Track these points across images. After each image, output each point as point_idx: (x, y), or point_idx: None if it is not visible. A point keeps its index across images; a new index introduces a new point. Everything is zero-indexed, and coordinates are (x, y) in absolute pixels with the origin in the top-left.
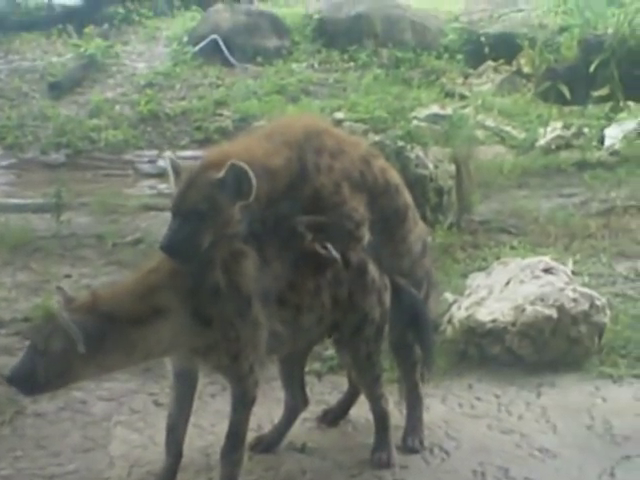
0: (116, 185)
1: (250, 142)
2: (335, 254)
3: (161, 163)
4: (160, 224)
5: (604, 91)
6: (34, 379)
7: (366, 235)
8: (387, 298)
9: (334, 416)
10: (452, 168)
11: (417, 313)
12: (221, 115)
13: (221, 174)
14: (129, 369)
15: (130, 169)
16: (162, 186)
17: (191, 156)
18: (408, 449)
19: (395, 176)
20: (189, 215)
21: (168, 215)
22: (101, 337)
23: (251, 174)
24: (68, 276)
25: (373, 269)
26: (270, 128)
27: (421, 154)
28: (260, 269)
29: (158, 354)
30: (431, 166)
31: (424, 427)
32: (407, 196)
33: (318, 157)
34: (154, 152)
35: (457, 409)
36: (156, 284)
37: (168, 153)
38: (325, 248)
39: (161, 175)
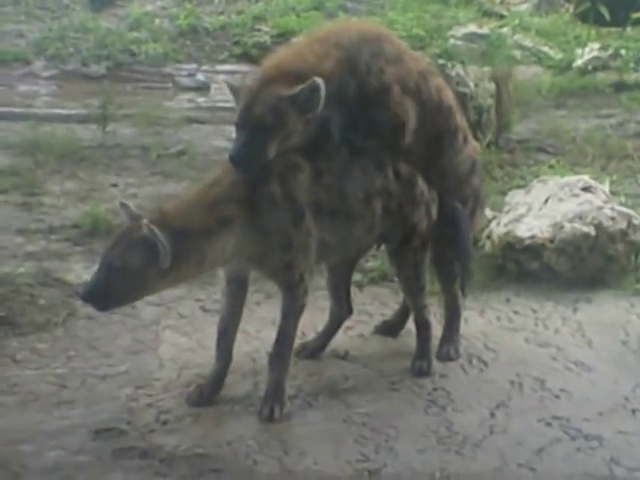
0: (156, 98)
1: (302, 48)
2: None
3: (200, 77)
4: (202, 136)
5: None
6: (110, 295)
7: (408, 140)
8: (434, 211)
9: (392, 327)
10: (492, 87)
11: (458, 228)
12: (259, 30)
13: (293, 91)
14: None
15: (169, 82)
16: (201, 99)
17: (229, 70)
18: (444, 356)
19: (450, 96)
20: (257, 128)
21: (209, 128)
22: (175, 251)
23: (322, 91)
24: (115, 185)
25: (422, 182)
26: (327, 30)
27: (462, 72)
28: (313, 181)
29: (223, 262)
30: (471, 84)
31: (462, 338)
32: (459, 117)
33: (371, 59)
34: (193, 66)
35: (495, 322)
36: (219, 196)
37: (222, 76)
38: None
39: (200, 89)
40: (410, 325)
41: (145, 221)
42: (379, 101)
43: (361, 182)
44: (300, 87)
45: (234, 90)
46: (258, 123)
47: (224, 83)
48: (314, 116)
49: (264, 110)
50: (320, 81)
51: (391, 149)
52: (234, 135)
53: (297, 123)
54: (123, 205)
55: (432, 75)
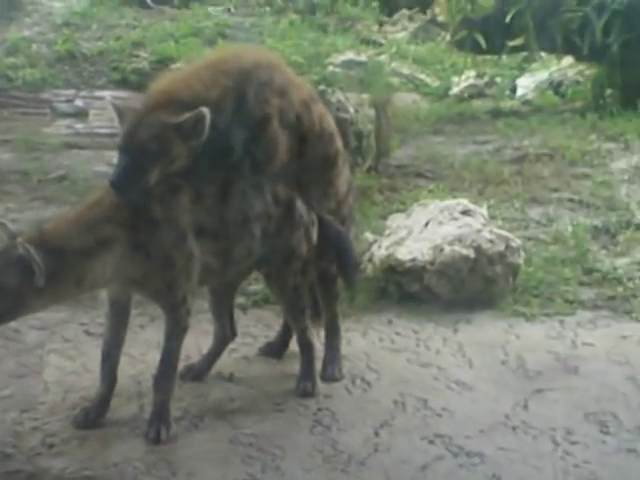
0: (34, 123)
1: (192, 74)
2: None
3: (78, 103)
4: (82, 162)
5: (519, 41)
6: None
7: (275, 170)
8: (314, 234)
9: (275, 348)
10: (371, 113)
11: (342, 246)
12: (138, 56)
13: (179, 119)
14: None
15: (47, 108)
16: (79, 125)
17: (108, 96)
18: (328, 377)
19: (331, 123)
20: (139, 153)
21: (89, 154)
22: (53, 270)
23: (207, 121)
24: None
25: (301, 206)
26: (218, 56)
27: (342, 98)
28: (194, 203)
29: (103, 283)
30: (352, 110)
31: (345, 359)
32: (339, 143)
33: (259, 88)
34: (71, 91)
35: (377, 343)
36: (100, 217)
37: (108, 96)
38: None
39: (78, 114)
40: (294, 347)
41: (20, 239)
42: (257, 131)
43: (240, 206)
44: (186, 116)
45: (119, 112)
46: (141, 149)
47: (109, 104)
48: (198, 144)
49: (148, 136)
50: (206, 111)
51: (263, 175)
52: (115, 160)
53: (180, 150)
54: (1, 224)
55: (314, 103)
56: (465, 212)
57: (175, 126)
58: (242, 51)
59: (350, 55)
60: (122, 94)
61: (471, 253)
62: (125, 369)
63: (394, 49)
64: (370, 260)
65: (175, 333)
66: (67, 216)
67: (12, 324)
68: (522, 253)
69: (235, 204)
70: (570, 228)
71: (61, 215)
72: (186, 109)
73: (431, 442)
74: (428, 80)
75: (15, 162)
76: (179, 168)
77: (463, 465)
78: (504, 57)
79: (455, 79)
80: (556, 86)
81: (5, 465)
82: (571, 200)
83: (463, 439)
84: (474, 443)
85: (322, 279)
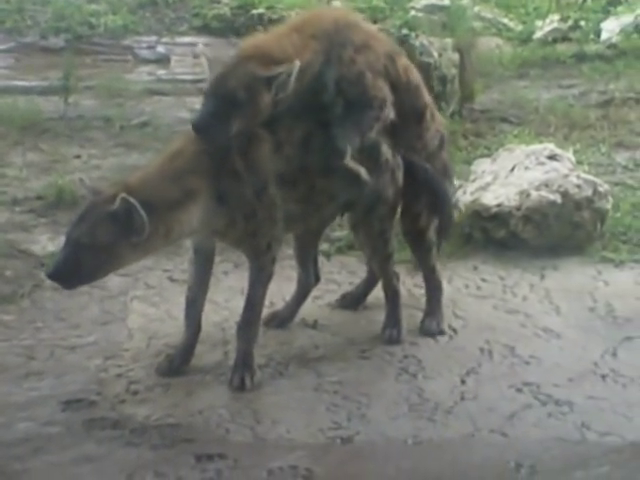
0: (116, 70)
1: (281, 36)
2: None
3: (160, 49)
4: (164, 108)
5: None
6: (79, 273)
7: (391, 114)
8: (400, 177)
9: (352, 299)
10: (455, 57)
11: (434, 188)
12: (219, 2)
13: (271, 72)
14: None
15: (129, 54)
16: (161, 72)
17: (189, 42)
18: (425, 331)
19: (417, 76)
20: (225, 100)
21: (171, 100)
22: None
23: (294, 76)
24: (78, 157)
25: (386, 150)
26: (302, 19)
27: (425, 42)
28: (275, 152)
29: (189, 234)
30: (435, 54)
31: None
32: (426, 96)
33: (342, 50)
34: (153, 38)
35: (463, 290)
36: (183, 168)
37: (200, 46)
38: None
39: (160, 61)
40: (380, 293)
41: (123, 195)
42: (356, 88)
43: (322, 153)
44: (278, 70)
45: (210, 62)
46: (228, 95)
47: (202, 53)
48: (285, 99)
49: (236, 84)
50: (297, 65)
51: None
52: (198, 106)
53: (267, 103)
54: (81, 181)
55: (398, 56)
56: (552, 157)
57: (265, 79)
58: (324, 13)
59: None
60: (203, 40)
61: (558, 198)
62: (209, 316)
63: None
64: (455, 205)
65: (260, 280)
66: (150, 169)
67: None
68: (610, 198)
69: (316, 152)
70: None
71: (144, 168)
72: (277, 65)
73: (519, 390)
74: (511, 24)
75: (98, 109)
76: (262, 121)
77: (552, 414)
78: (588, 0)
79: (539, 23)
80: None
81: (89, 412)
82: None
83: (551, 387)
84: (563, 391)
85: (411, 233)
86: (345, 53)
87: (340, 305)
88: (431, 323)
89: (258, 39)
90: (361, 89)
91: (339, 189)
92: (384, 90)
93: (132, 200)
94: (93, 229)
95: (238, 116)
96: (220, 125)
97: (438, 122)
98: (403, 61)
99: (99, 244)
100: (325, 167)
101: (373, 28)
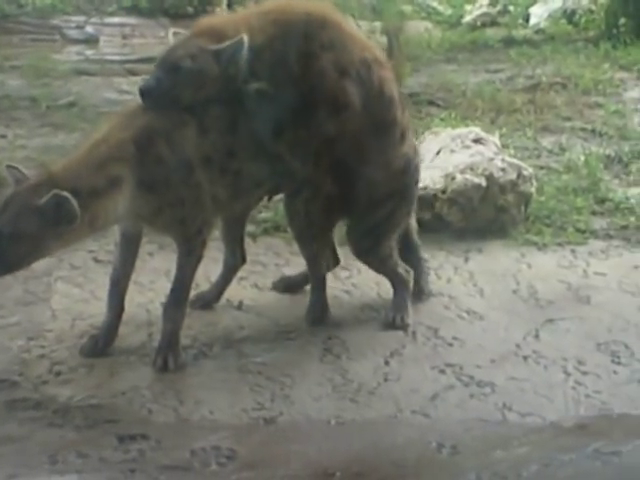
0: (44, 50)
1: (240, 17)
2: None
3: (88, 29)
4: (91, 88)
5: None
6: (3, 262)
7: (352, 126)
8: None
9: (292, 283)
10: (383, 40)
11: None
12: None
13: (218, 46)
14: None
15: (57, 34)
16: (89, 52)
17: (118, 22)
18: (389, 325)
19: (393, 90)
20: (173, 68)
21: (98, 80)
22: None
23: (244, 52)
24: (3, 136)
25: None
26: (273, 5)
27: (353, 25)
28: (200, 137)
29: (114, 222)
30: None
31: (355, 287)
32: (399, 113)
33: (306, 42)
34: (81, 18)
35: None
36: (107, 155)
37: (172, 30)
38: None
39: (88, 41)
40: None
41: (56, 191)
42: (314, 83)
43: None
44: (225, 43)
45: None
46: (176, 64)
47: (171, 33)
48: (235, 74)
49: (183, 54)
50: (244, 40)
51: (331, 131)
52: (126, 87)
53: (213, 76)
54: (9, 167)
55: (377, 65)
56: (477, 140)
57: (212, 52)
58: (298, 4)
59: None
60: (133, 21)
61: (483, 181)
62: (134, 297)
63: None
64: None
65: (188, 263)
66: (74, 157)
67: None
68: (534, 182)
69: (244, 136)
70: (582, 157)
71: (67, 157)
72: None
73: (442, 371)
74: (440, 8)
75: (24, 88)
76: (208, 96)
77: (474, 395)
78: None
79: (468, 7)
80: (569, 15)
81: (11, 393)
82: (584, 129)
83: (474, 368)
84: (485, 373)
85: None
86: (308, 46)
87: (276, 288)
88: (396, 316)
89: (214, 18)
90: (320, 86)
91: (267, 174)
92: (349, 94)
93: (66, 194)
94: (16, 219)
95: (183, 84)
96: (166, 90)
97: (408, 145)
98: (382, 72)
99: (23, 234)
100: (253, 152)
101: (357, 33)
